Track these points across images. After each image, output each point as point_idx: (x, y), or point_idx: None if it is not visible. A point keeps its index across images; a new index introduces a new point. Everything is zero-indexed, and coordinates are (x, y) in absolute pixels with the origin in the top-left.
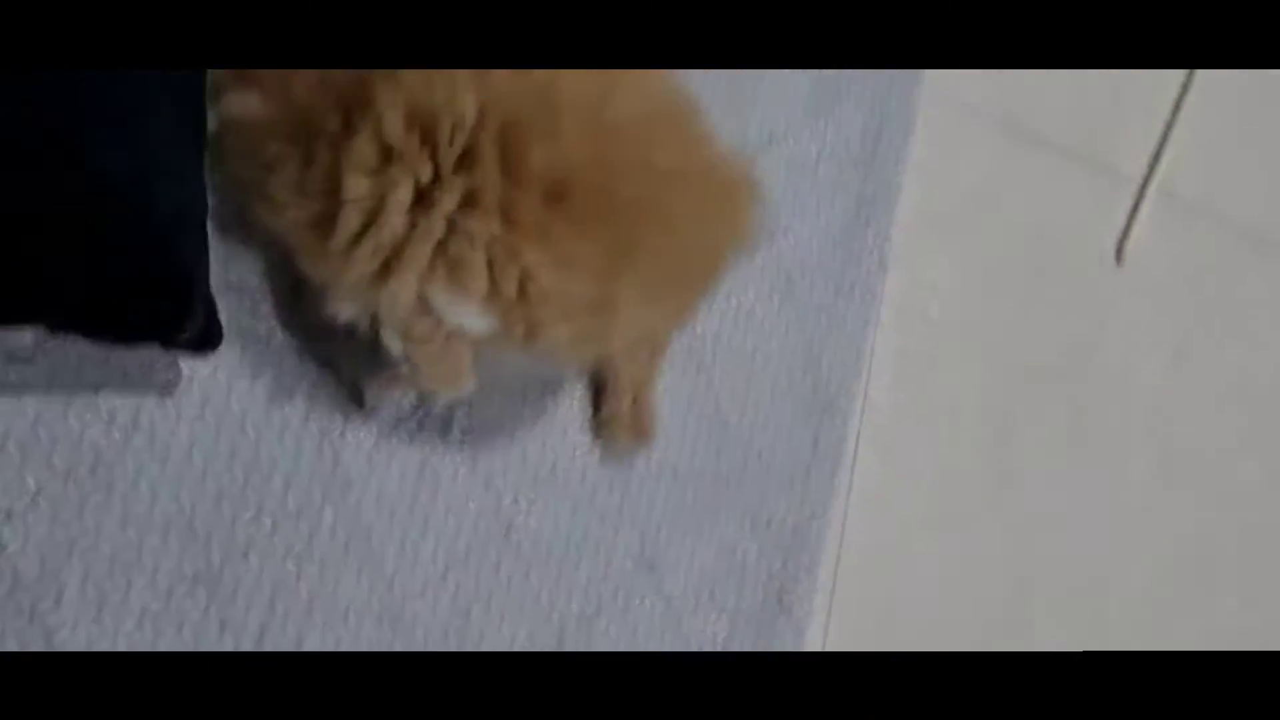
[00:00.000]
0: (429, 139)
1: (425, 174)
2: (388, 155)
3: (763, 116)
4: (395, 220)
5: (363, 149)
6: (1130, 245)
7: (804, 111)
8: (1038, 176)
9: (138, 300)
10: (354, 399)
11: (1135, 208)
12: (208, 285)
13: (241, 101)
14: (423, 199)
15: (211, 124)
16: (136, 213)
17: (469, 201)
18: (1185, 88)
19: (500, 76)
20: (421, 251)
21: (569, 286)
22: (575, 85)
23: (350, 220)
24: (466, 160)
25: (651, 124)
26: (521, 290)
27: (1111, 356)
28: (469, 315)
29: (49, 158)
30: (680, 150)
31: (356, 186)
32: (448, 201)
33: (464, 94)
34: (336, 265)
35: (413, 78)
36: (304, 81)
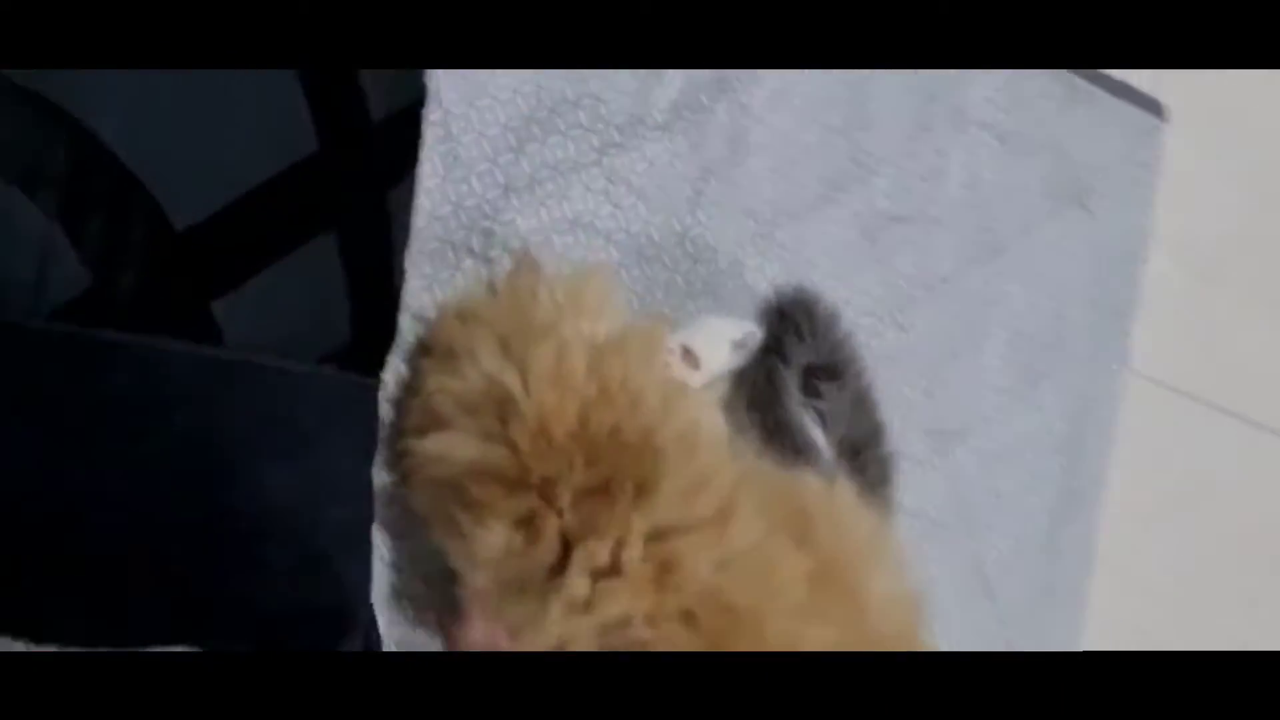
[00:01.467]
0: (663, 583)
1: (640, 609)
2: (616, 571)
3: (955, 400)
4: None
5: (594, 555)
6: None
7: (999, 395)
8: (1255, 464)
9: (298, 623)
10: None
11: None
12: (369, 604)
13: (454, 441)
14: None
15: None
16: (301, 534)
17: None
18: None
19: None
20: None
21: None
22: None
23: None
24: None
25: (812, 587)
26: None
27: None
28: None
29: (219, 477)
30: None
31: (577, 587)
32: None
33: (706, 555)
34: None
35: (663, 510)
36: (529, 436)
